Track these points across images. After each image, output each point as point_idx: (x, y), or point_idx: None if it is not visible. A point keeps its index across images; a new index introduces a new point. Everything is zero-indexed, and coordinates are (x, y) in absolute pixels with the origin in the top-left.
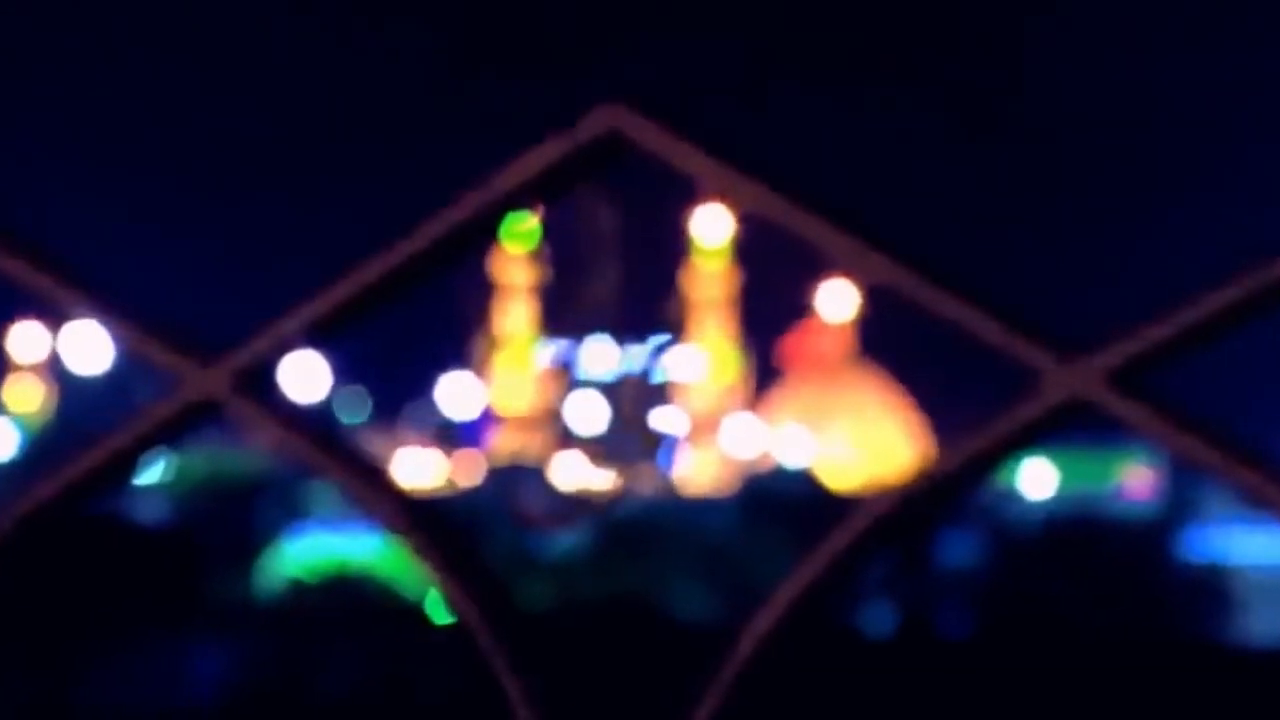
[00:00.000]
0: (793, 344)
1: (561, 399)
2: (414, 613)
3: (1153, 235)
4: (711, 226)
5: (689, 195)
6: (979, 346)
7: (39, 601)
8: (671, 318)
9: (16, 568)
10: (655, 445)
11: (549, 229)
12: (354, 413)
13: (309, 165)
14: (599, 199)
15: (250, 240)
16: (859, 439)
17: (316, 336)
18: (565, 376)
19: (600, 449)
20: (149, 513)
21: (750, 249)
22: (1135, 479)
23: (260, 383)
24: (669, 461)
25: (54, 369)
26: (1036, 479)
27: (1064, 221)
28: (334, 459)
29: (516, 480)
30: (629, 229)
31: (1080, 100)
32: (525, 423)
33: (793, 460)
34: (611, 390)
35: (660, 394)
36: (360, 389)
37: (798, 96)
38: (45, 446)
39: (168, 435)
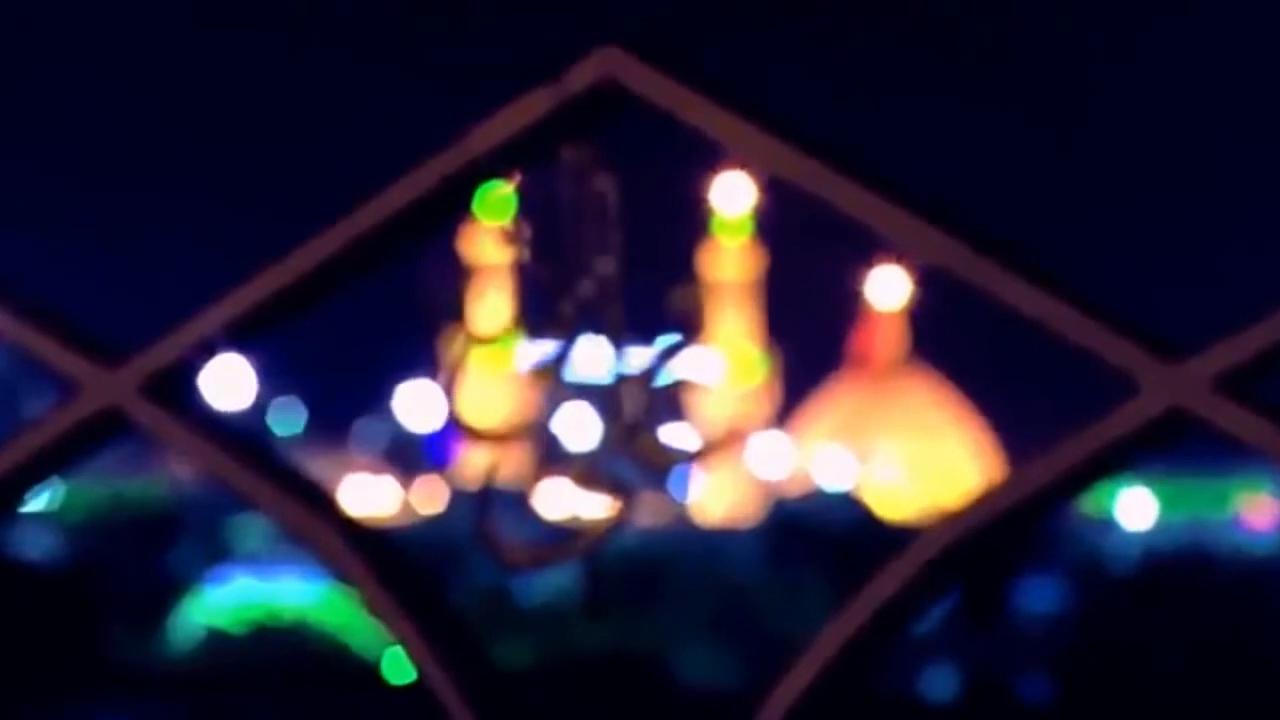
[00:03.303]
0: (861, 341)
1: (547, 408)
2: (364, 671)
3: (1254, 227)
4: (730, 192)
5: (702, 157)
6: (1061, 348)
7: None
8: (683, 308)
9: None
10: (663, 464)
11: (529, 200)
12: (288, 426)
13: (240, 131)
14: (593, 162)
15: (166, 226)
16: (913, 456)
17: (241, 337)
18: (552, 381)
19: (595, 469)
20: (36, 548)
21: (778, 227)
22: (1255, 508)
23: (173, 389)
24: (681, 484)
25: None
26: (1132, 506)
27: (1151, 207)
28: (265, 478)
29: (490, 507)
30: (629, 200)
31: (1176, 78)
32: (502, 437)
33: (832, 482)
34: (609, 397)
35: (669, 401)
36: (294, 400)
37: (837, 47)
38: None
39: (66, 451)
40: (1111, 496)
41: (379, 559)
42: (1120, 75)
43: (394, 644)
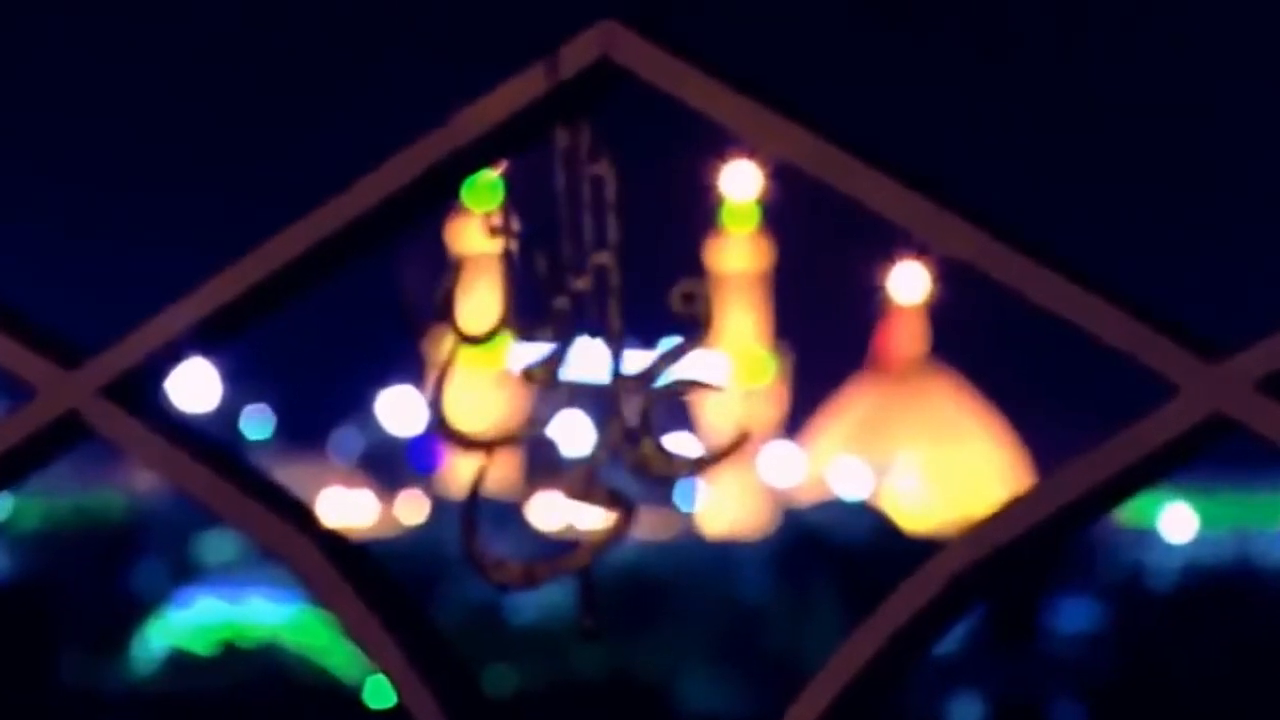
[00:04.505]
0: (880, 339)
1: (540, 413)
2: (342, 695)
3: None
4: (737, 177)
5: (708, 141)
6: (1094, 347)
7: None
8: (687, 304)
9: None
10: (665, 472)
11: (520, 187)
12: (257, 432)
13: (212, 118)
14: (589, 146)
15: (135, 222)
16: (936, 463)
17: (208, 338)
18: (545, 383)
19: (591, 478)
20: None
21: (788, 218)
22: None
23: (136, 393)
24: (684, 494)
25: None
26: (1173, 518)
27: (1180, 205)
28: (235, 487)
29: (479, 519)
30: (629, 188)
31: (1209, 79)
32: (491, 443)
33: (848, 490)
34: (607, 401)
35: (672, 405)
36: (263, 407)
37: (852, 27)
38: None
39: (22, 458)
40: (1151, 507)
41: (359, 575)
42: (1149, 73)
43: (374, 668)
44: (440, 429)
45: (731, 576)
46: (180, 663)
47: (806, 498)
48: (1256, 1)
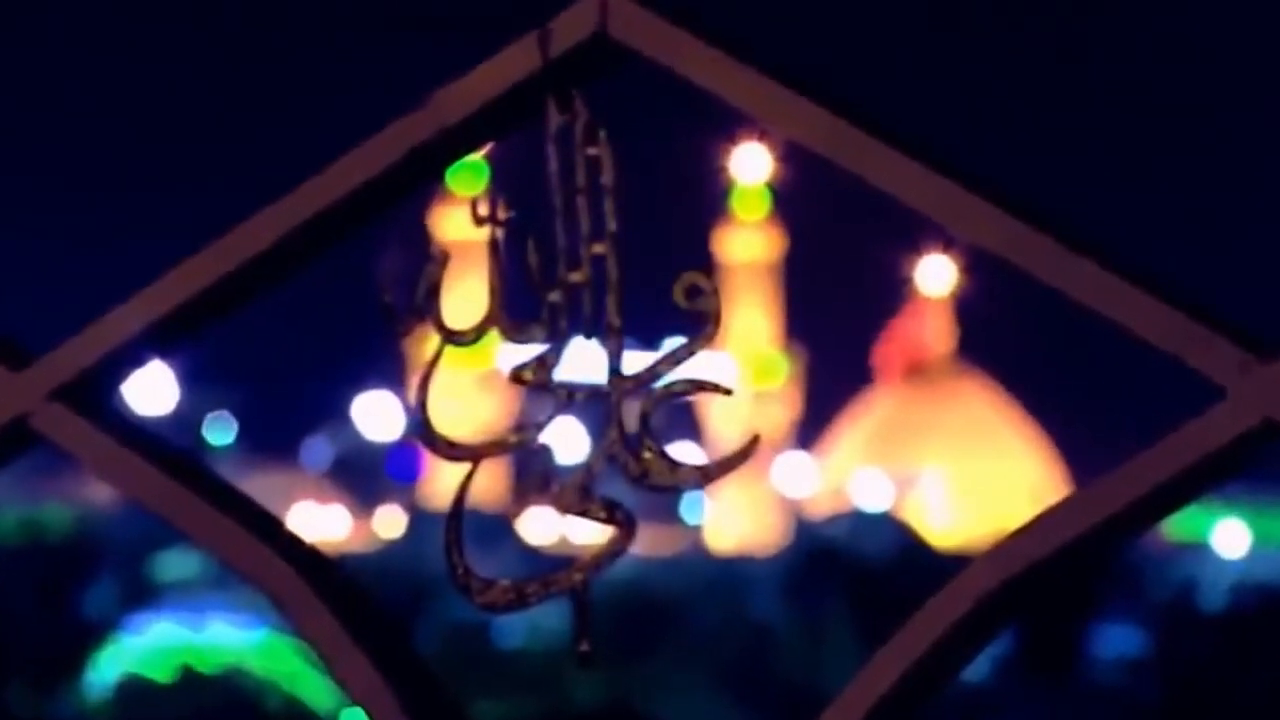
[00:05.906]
0: (901, 336)
1: (532, 417)
2: None
3: None
4: (746, 160)
5: (715, 121)
6: (1134, 346)
7: None
8: (692, 299)
9: None
10: (668, 483)
11: (509, 170)
12: (218, 438)
13: (167, 108)
14: (585, 126)
15: (84, 217)
16: (964, 472)
17: (167, 338)
18: (537, 386)
19: (587, 488)
20: None
21: (801, 208)
22: None
23: (89, 396)
24: (690, 506)
25: None
26: (1224, 533)
27: (1233, 194)
28: (199, 498)
29: (464, 533)
30: (628, 173)
31: (1236, 78)
32: (478, 451)
33: (868, 502)
34: (604, 405)
35: (675, 410)
36: (225, 414)
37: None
38: None
39: None
40: (1200, 522)
41: (332, 594)
42: (1199, 55)
43: (349, 697)
44: (422, 435)
45: (740, 595)
46: (135, 691)
47: (822, 510)
48: None
